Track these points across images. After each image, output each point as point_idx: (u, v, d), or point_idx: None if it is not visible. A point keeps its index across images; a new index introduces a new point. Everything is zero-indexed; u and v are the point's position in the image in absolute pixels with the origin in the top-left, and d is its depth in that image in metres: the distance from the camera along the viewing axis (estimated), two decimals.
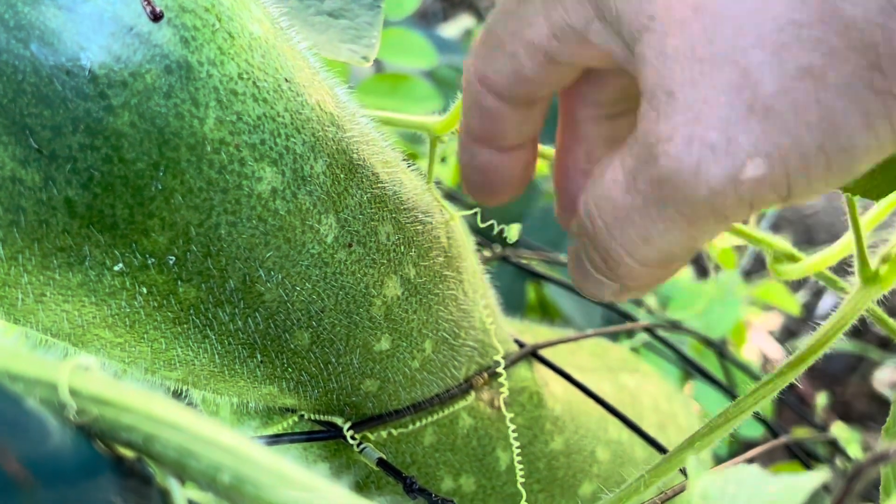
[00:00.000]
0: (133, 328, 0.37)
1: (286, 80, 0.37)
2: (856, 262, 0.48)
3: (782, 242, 0.54)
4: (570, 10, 0.38)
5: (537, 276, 0.89)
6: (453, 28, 1.94)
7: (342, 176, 0.39)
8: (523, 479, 0.48)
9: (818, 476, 0.23)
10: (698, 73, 0.33)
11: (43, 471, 0.21)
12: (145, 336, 0.37)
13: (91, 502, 0.23)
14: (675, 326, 0.75)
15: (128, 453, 0.26)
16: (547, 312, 0.98)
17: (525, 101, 0.43)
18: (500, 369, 0.47)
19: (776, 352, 1.52)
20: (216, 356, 0.39)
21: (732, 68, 0.32)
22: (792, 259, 0.53)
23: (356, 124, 0.41)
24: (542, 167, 0.98)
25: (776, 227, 1.87)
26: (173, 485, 0.26)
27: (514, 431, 0.47)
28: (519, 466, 0.47)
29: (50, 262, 0.33)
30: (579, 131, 0.45)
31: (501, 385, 0.51)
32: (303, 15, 0.47)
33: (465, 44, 1.36)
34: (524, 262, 0.80)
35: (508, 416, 0.47)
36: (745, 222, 0.50)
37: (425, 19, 2.13)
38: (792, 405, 0.93)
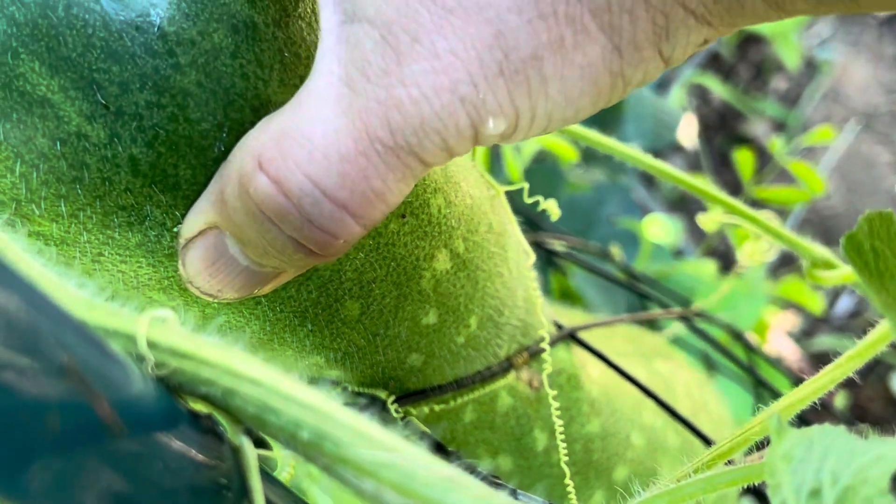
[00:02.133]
0: (187, 292, 0.36)
1: None
2: None
3: (820, 249, 0.53)
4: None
5: (564, 262, 0.89)
6: None
7: None
8: (566, 458, 0.47)
9: None
10: (447, 24, 0.31)
11: (128, 417, 0.21)
12: (198, 300, 0.37)
13: (170, 453, 0.23)
14: (706, 317, 0.75)
15: (202, 408, 0.25)
16: (571, 301, 0.98)
17: None
18: (543, 345, 0.47)
19: (793, 352, 1.51)
20: (267, 324, 0.39)
21: (486, 26, 0.31)
22: (828, 266, 0.53)
23: None
24: (570, 154, 0.98)
25: (798, 229, 1.86)
26: (245, 442, 0.26)
27: (556, 409, 0.47)
28: (562, 445, 0.47)
29: (111, 220, 0.33)
30: None
31: (541, 365, 0.51)
32: None
33: None
34: (554, 247, 0.80)
35: (551, 393, 0.46)
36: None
37: None
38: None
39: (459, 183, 0.43)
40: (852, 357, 0.45)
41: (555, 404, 0.46)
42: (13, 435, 0.18)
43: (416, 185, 0.40)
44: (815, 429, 0.25)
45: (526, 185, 0.47)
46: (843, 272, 0.51)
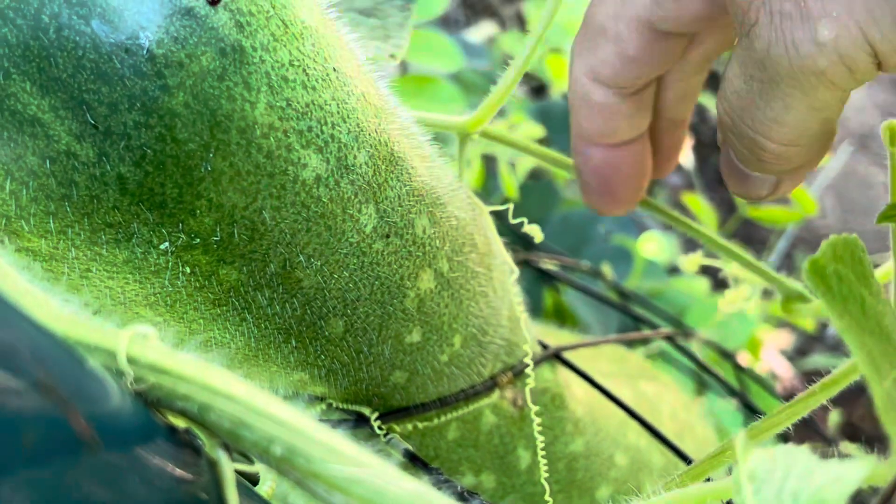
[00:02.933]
0: (173, 308, 0.37)
1: (334, 69, 0.37)
2: (893, 293, 0.48)
3: (793, 283, 0.54)
4: None
5: (557, 280, 0.90)
6: (476, 35, 1.95)
7: (383, 167, 0.39)
8: (547, 474, 0.48)
9: (866, 464, 0.23)
10: None
11: (104, 431, 0.22)
12: (185, 316, 0.38)
13: (147, 467, 0.24)
14: (693, 336, 0.75)
15: (179, 423, 0.26)
16: (564, 319, 0.99)
17: (634, 86, 0.46)
18: (527, 360, 0.48)
19: (786, 370, 1.52)
20: (252, 340, 0.39)
21: None
22: (802, 300, 0.53)
23: (397, 117, 0.42)
24: (560, 173, 0.98)
25: (792, 247, 1.86)
26: (222, 456, 0.26)
27: (538, 425, 0.47)
28: (543, 462, 0.48)
29: (98, 237, 0.34)
30: (674, 86, 0.49)
31: (525, 384, 0.51)
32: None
33: (490, 50, 1.36)
34: (545, 266, 0.80)
35: (534, 408, 0.47)
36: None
37: (447, 25, 2.14)
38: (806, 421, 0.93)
39: (445, 204, 0.43)
40: (835, 379, 0.46)
41: (536, 420, 0.47)
42: None
43: (400, 206, 0.41)
44: (779, 448, 0.26)
45: (510, 206, 0.48)
46: (816, 305, 0.51)
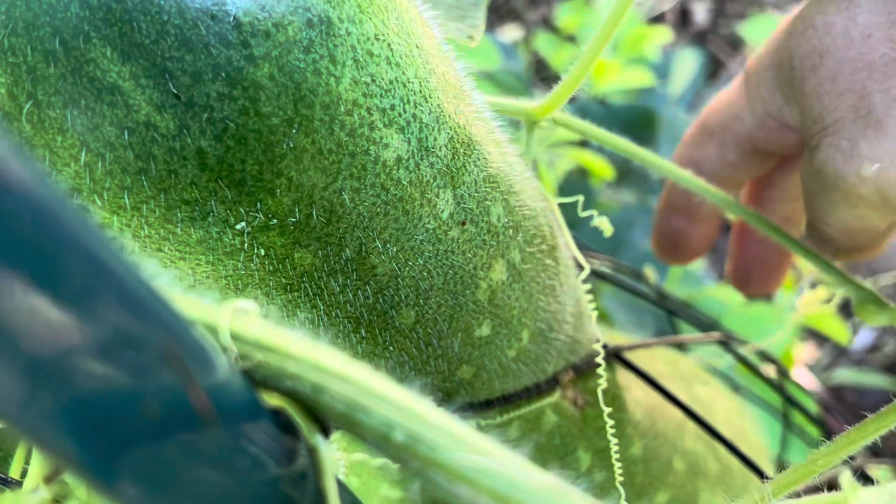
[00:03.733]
0: (244, 291, 0.36)
1: (417, 46, 0.36)
2: None
3: (871, 286, 0.52)
4: (768, 102, 0.50)
5: (600, 279, 0.88)
6: (501, 38, 1.93)
7: (462, 151, 0.38)
8: (622, 478, 0.46)
9: None
10: (830, 103, 0.44)
11: (219, 406, 0.20)
12: (255, 301, 0.36)
13: (253, 448, 0.22)
14: (741, 342, 0.74)
15: (278, 404, 0.24)
16: (599, 320, 0.97)
17: (725, 183, 0.54)
18: (598, 360, 0.46)
19: (812, 384, 1.50)
20: (321, 327, 0.38)
21: (853, 95, 0.43)
22: (878, 304, 0.51)
23: (473, 100, 0.40)
24: (606, 171, 0.97)
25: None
26: (320, 442, 0.25)
27: (608, 427, 0.46)
28: (618, 465, 0.46)
29: (173, 215, 0.32)
30: (763, 208, 0.57)
31: (586, 384, 0.50)
32: None
33: (518, 52, 1.35)
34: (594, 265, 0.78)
35: (606, 410, 0.45)
36: None
37: None
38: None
39: (518, 192, 0.42)
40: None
41: (609, 422, 0.45)
42: (111, 420, 0.17)
43: (476, 192, 0.39)
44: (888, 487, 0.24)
45: (581, 198, 0.46)
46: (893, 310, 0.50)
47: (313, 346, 0.23)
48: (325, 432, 0.25)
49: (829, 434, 0.97)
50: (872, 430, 0.39)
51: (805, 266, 0.60)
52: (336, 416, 0.22)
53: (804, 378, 1.49)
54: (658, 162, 0.51)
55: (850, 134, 0.43)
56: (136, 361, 0.17)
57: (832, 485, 0.34)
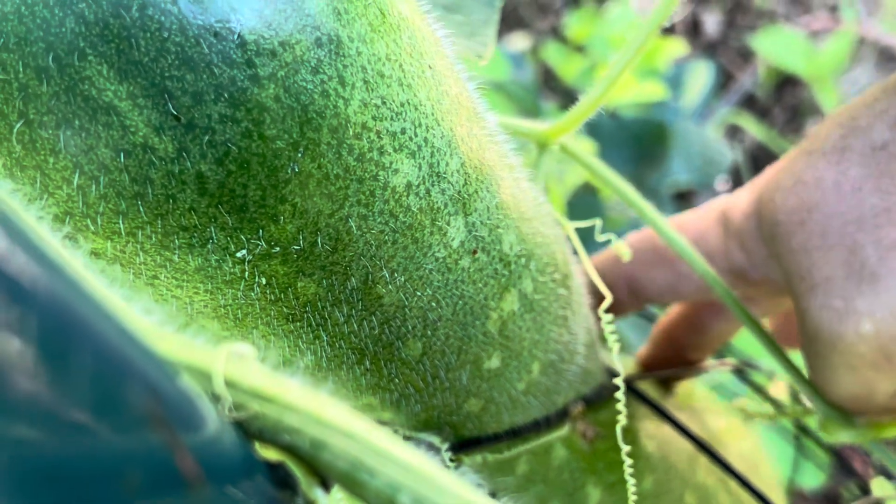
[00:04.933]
0: (243, 321, 0.34)
1: (430, 66, 0.34)
2: None
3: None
4: (752, 251, 0.47)
5: None
6: (509, 47, 1.92)
7: (474, 176, 0.36)
8: None
9: None
10: (819, 259, 0.42)
11: (206, 466, 0.18)
12: (254, 331, 0.34)
13: None
14: (755, 367, 0.72)
15: (274, 456, 0.23)
16: (605, 340, 0.95)
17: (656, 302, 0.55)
18: (618, 395, 0.44)
19: None
20: (324, 359, 0.36)
21: (843, 250, 0.41)
22: (846, 421, 0.49)
23: (486, 122, 0.38)
24: (607, 191, 0.95)
25: None
26: (320, 496, 0.23)
27: (629, 466, 0.44)
28: (633, 496, 0.44)
29: (171, 241, 0.31)
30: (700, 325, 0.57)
31: (596, 415, 0.48)
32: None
33: (527, 62, 1.33)
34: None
35: (625, 448, 0.43)
36: None
37: None
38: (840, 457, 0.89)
39: (531, 219, 0.40)
40: None
41: (628, 461, 0.43)
42: (89, 488, 0.15)
43: (488, 219, 0.37)
44: None
45: (599, 222, 0.45)
46: (861, 429, 0.48)
47: (314, 396, 0.21)
48: (326, 486, 0.23)
49: (841, 460, 0.95)
50: None
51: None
52: (337, 474, 0.20)
53: None
54: (654, 218, 0.49)
55: (844, 292, 0.41)
56: (115, 424, 0.15)
57: None
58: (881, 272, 0.40)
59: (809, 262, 0.42)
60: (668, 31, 2.26)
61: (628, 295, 0.53)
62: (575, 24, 1.39)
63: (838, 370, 0.43)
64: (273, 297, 0.33)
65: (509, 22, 2.19)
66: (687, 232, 0.50)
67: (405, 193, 0.33)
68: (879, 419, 0.48)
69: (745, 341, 1.00)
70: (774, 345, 0.48)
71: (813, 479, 0.90)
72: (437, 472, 0.20)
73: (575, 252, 0.46)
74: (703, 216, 0.50)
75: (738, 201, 0.49)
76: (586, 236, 0.48)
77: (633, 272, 0.52)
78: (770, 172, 0.47)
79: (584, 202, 1.02)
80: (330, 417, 0.20)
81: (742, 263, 0.48)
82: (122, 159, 0.29)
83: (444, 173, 0.34)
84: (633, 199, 0.47)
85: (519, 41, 2.02)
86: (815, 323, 0.42)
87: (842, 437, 0.48)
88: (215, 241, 0.31)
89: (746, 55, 2.28)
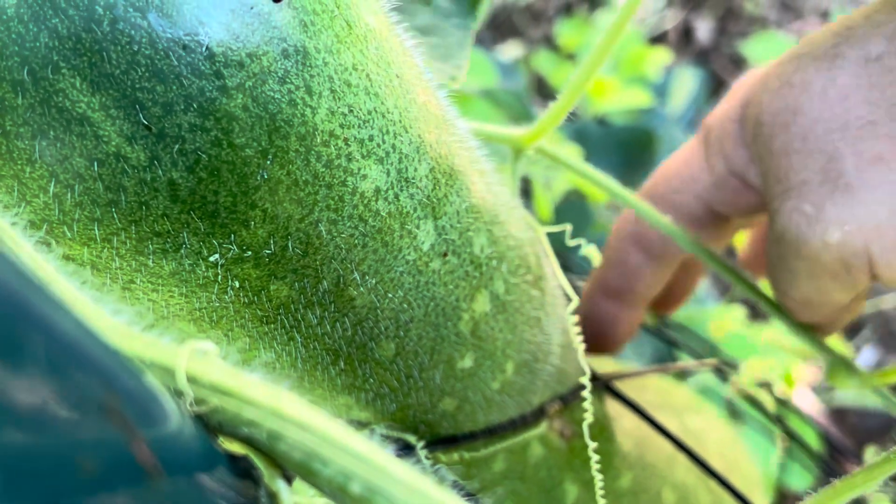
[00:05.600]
0: (218, 324, 0.35)
1: (397, 75, 0.35)
2: None
3: (843, 353, 0.51)
4: (731, 158, 0.48)
5: None
6: (502, 55, 1.93)
7: (443, 181, 0.37)
8: None
9: None
10: (797, 163, 0.42)
11: (166, 458, 0.19)
12: (230, 333, 0.35)
13: (204, 496, 0.21)
14: (735, 368, 0.73)
15: (238, 449, 0.24)
16: None
17: (669, 258, 0.53)
18: (584, 394, 0.45)
19: (814, 405, 1.49)
20: (299, 360, 0.37)
21: (822, 157, 0.41)
22: (850, 369, 0.50)
23: (457, 129, 0.40)
24: (600, 196, 0.96)
25: (856, 325, 1.80)
26: (282, 487, 0.24)
27: (597, 463, 0.45)
28: (600, 491, 0.45)
29: (145, 247, 0.32)
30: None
31: (573, 415, 0.49)
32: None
33: (518, 70, 1.34)
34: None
35: (591, 445, 0.44)
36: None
37: (473, 45, 2.12)
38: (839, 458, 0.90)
39: (503, 222, 0.41)
40: None
41: (595, 457, 0.44)
42: (45, 478, 0.16)
43: (458, 223, 0.38)
44: None
45: (568, 227, 0.46)
46: (865, 377, 0.49)
47: (272, 390, 0.22)
48: (288, 478, 0.24)
49: (828, 458, 0.96)
50: (877, 473, 0.38)
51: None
52: (293, 464, 0.21)
53: (806, 400, 1.48)
54: (640, 204, 0.50)
55: (816, 197, 0.41)
56: (70, 414, 0.16)
57: None
58: (856, 184, 0.40)
59: (788, 164, 0.42)
60: (660, 38, 2.28)
61: (641, 256, 0.53)
62: (566, 32, 1.40)
63: (798, 275, 0.44)
64: (247, 300, 0.34)
65: (503, 30, 2.21)
66: (667, 170, 0.51)
67: (374, 198, 0.34)
68: (824, 328, 0.49)
69: (730, 343, 1.01)
70: (749, 284, 0.50)
71: (800, 478, 0.91)
72: (389, 461, 0.21)
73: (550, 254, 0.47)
74: (687, 144, 0.51)
75: (717, 111, 0.49)
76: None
77: (637, 229, 0.53)
78: (757, 75, 0.47)
79: (572, 208, 1.03)
80: (285, 410, 0.21)
81: (722, 172, 0.48)
82: (96, 168, 0.30)
83: (413, 178, 0.35)
84: (609, 187, 0.48)
85: (512, 49, 2.03)
86: (783, 225, 0.43)
87: (847, 384, 0.50)
88: (188, 246, 0.32)
89: (738, 62, 2.30)
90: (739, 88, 0.48)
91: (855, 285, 0.43)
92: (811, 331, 0.49)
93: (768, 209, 0.45)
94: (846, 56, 0.41)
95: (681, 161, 0.51)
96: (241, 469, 0.23)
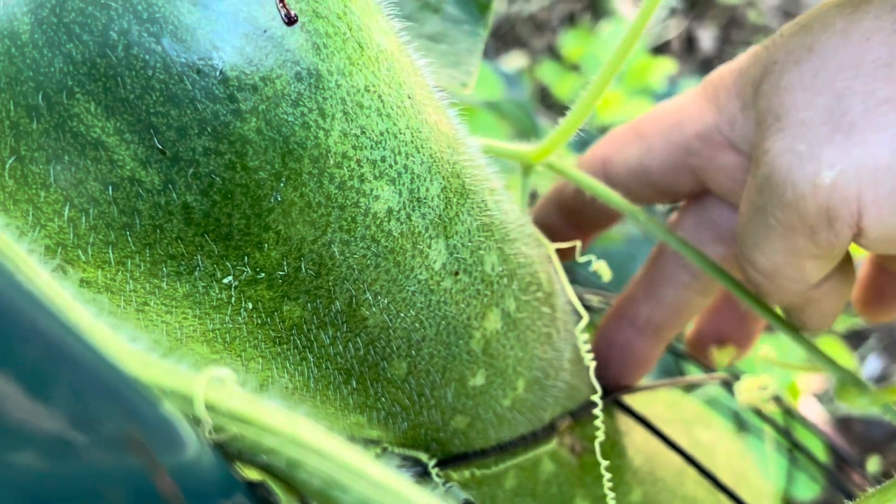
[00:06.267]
0: (231, 345, 0.35)
1: (409, 96, 0.35)
2: None
3: (849, 370, 0.51)
4: (723, 108, 0.45)
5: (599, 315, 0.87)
6: (506, 66, 1.94)
7: (455, 200, 0.37)
8: None
9: None
10: (802, 100, 0.39)
11: (186, 487, 0.19)
12: (243, 354, 0.35)
13: None
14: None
15: (255, 476, 0.24)
16: None
17: (635, 195, 0.50)
18: (596, 412, 0.45)
19: (819, 415, 1.48)
20: (311, 380, 0.37)
21: (829, 95, 0.39)
22: (860, 387, 0.50)
23: (467, 147, 0.40)
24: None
25: (861, 334, 1.80)
26: None
27: (604, 478, 0.45)
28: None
29: (159, 269, 0.32)
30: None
31: (584, 431, 0.49)
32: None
33: (522, 81, 1.35)
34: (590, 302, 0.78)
35: (603, 463, 0.44)
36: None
37: None
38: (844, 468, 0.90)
39: (514, 240, 0.41)
40: None
41: (606, 475, 0.44)
42: None
43: (469, 242, 0.38)
44: None
45: (578, 244, 0.46)
46: (875, 394, 0.48)
47: (291, 418, 0.22)
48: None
49: (834, 468, 0.96)
50: (892, 495, 0.37)
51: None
52: (312, 492, 0.21)
53: (812, 409, 1.48)
54: (648, 222, 0.50)
55: (815, 137, 0.38)
56: (92, 445, 0.17)
57: None
58: (861, 124, 0.38)
59: (791, 101, 0.40)
60: (664, 47, 2.28)
61: (603, 179, 0.51)
62: (569, 42, 1.40)
63: (773, 230, 0.41)
64: (260, 321, 0.34)
65: (507, 41, 2.21)
66: (662, 109, 0.49)
67: (386, 219, 0.34)
68: (805, 321, 0.47)
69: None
70: (747, 292, 0.49)
71: (807, 489, 0.91)
72: (407, 488, 0.21)
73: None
74: (683, 95, 0.50)
75: (723, 66, 0.47)
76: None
77: (608, 152, 0.51)
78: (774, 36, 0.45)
79: None
80: (304, 437, 0.21)
81: (709, 123, 0.46)
82: (111, 192, 0.30)
83: (425, 198, 0.36)
84: (619, 202, 0.48)
85: (516, 60, 2.03)
86: (771, 166, 0.40)
87: (857, 402, 0.49)
88: (202, 268, 0.32)
89: None
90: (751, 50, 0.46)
91: (831, 247, 0.40)
92: (797, 331, 0.48)
93: (755, 154, 0.42)
94: (872, 2, 0.40)
95: (670, 108, 0.48)
96: (260, 497, 0.23)
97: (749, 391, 0.58)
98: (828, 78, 0.39)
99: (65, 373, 0.16)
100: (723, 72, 0.46)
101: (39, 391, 0.16)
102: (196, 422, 0.22)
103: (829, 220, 0.38)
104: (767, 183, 0.40)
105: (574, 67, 1.60)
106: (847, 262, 0.46)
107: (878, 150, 0.37)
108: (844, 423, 1.60)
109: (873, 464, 1.23)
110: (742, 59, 0.45)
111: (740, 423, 0.94)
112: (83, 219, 0.30)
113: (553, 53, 2.09)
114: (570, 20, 2.26)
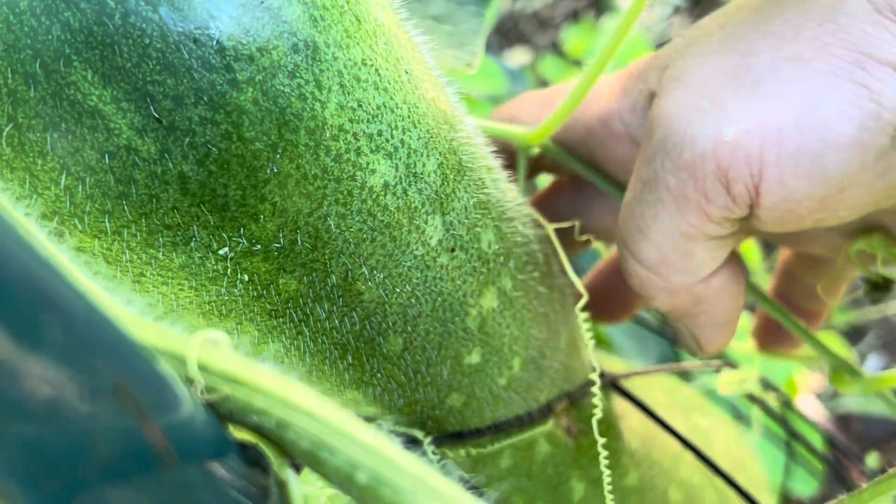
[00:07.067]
0: (228, 317, 0.35)
1: (406, 71, 0.35)
2: None
3: (844, 355, 0.50)
4: (629, 90, 0.44)
5: None
6: (510, 61, 1.93)
7: (451, 176, 0.37)
8: None
9: None
10: (705, 61, 0.38)
11: (179, 443, 0.19)
12: (238, 327, 0.36)
13: (217, 485, 0.21)
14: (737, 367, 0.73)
15: (248, 438, 0.24)
16: (601, 346, 0.96)
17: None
18: (594, 390, 0.45)
19: (819, 412, 1.48)
20: (307, 354, 0.37)
21: (735, 55, 0.37)
22: (852, 373, 0.50)
23: (465, 125, 0.40)
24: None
25: (860, 330, 1.79)
26: (291, 476, 0.24)
27: (600, 458, 0.45)
28: (609, 497, 0.45)
29: (155, 239, 0.32)
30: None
31: (581, 413, 0.49)
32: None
33: (526, 76, 1.35)
34: None
35: (600, 441, 0.45)
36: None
37: None
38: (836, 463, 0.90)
39: (511, 218, 0.41)
40: None
41: (603, 453, 0.44)
42: (61, 463, 0.16)
43: (466, 218, 0.38)
44: None
45: (577, 224, 0.46)
46: (869, 380, 0.48)
47: (282, 380, 0.22)
48: (296, 467, 0.24)
49: (833, 465, 0.96)
50: (885, 488, 0.37)
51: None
52: (300, 453, 0.22)
53: (811, 407, 1.48)
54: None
55: (717, 93, 0.37)
56: (84, 399, 0.17)
57: None
58: (766, 79, 0.36)
59: (695, 62, 0.38)
60: (666, 44, 2.27)
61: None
62: (572, 38, 1.40)
63: (663, 205, 0.38)
64: (255, 294, 0.34)
65: (510, 37, 2.21)
66: (600, 81, 0.46)
67: (382, 193, 0.34)
68: (692, 331, 0.45)
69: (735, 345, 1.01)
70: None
71: (804, 483, 0.91)
72: (395, 452, 0.21)
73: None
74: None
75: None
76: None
77: (516, 113, 0.49)
78: None
79: None
80: (294, 399, 0.22)
81: (613, 108, 0.45)
82: (107, 161, 0.30)
83: (421, 174, 0.36)
84: (612, 188, 0.48)
85: (519, 56, 2.03)
86: (668, 127, 0.38)
87: (849, 388, 0.48)
88: (198, 239, 0.32)
89: None
90: None
91: (724, 218, 0.38)
92: (787, 316, 0.48)
93: (651, 117, 0.39)
94: None
95: (599, 83, 0.46)
96: (251, 457, 0.23)
97: (730, 384, 0.58)
98: (735, 40, 0.38)
99: (56, 321, 0.16)
100: (646, 56, 0.45)
101: (30, 340, 0.16)
102: (189, 382, 0.22)
103: (728, 183, 0.36)
104: (663, 146, 0.38)
105: (576, 63, 1.60)
106: (737, 259, 0.44)
107: (783, 104, 0.35)
108: (844, 421, 1.60)
109: (872, 459, 1.23)
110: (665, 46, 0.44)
111: (737, 416, 0.94)
112: (80, 187, 0.30)
113: (556, 50, 2.09)
114: (574, 17, 2.26)
